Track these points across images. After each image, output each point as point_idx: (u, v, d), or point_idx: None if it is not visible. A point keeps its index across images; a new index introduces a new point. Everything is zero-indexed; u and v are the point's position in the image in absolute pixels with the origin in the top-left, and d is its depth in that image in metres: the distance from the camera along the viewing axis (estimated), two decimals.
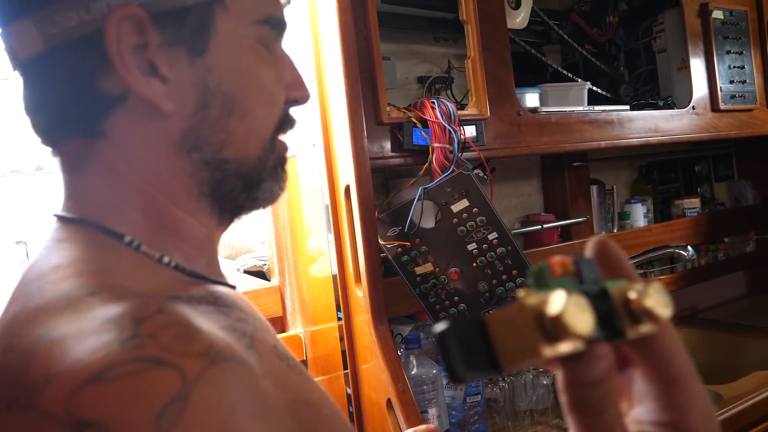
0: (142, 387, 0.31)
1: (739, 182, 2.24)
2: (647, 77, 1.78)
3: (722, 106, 1.62)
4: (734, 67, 1.66)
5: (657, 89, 1.74)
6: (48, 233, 0.47)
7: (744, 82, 1.68)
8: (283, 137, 0.54)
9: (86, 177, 0.47)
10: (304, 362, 1.35)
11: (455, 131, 1.07)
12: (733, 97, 1.65)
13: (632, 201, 1.91)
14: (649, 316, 0.28)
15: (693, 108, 1.59)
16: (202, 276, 0.49)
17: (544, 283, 0.27)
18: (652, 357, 0.30)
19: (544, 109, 1.36)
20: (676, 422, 0.30)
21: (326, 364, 1.31)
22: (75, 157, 0.48)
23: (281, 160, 0.54)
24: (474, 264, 1.06)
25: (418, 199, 1.04)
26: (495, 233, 1.04)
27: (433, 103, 1.10)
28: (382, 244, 1.06)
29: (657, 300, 0.28)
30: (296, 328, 1.37)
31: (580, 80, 1.57)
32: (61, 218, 0.47)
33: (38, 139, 0.50)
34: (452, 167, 1.06)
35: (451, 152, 1.09)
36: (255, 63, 0.50)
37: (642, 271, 1.93)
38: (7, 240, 1.56)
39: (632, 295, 0.28)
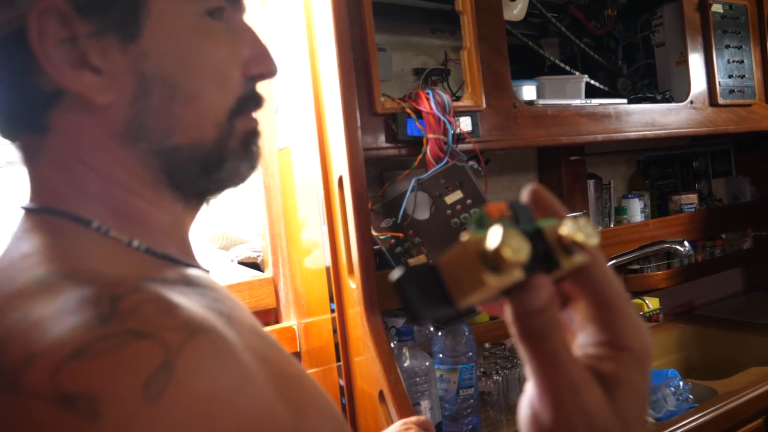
0: (127, 359, 0.32)
1: (737, 178, 2.23)
2: (645, 71, 1.77)
3: (721, 101, 1.61)
4: (733, 61, 1.66)
5: (655, 83, 1.73)
6: (15, 225, 0.46)
7: (743, 76, 1.67)
8: (253, 114, 0.52)
9: (42, 170, 0.47)
10: (298, 354, 1.35)
11: (450, 122, 1.06)
12: (731, 91, 1.64)
13: (629, 196, 1.91)
14: (580, 247, 0.31)
15: (691, 102, 1.58)
16: (175, 259, 0.48)
17: (484, 225, 0.30)
18: (588, 285, 0.33)
19: (541, 101, 1.35)
20: (612, 340, 0.33)
21: (320, 356, 1.30)
22: (28, 151, 0.47)
23: (250, 137, 0.51)
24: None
25: (412, 191, 1.03)
26: None
27: (428, 93, 1.09)
28: (375, 235, 1.06)
29: (585, 232, 0.31)
30: (290, 319, 1.37)
31: (577, 73, 1.56)
32: (27, 209, 0.46)
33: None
34: (446, 158, 1.05)
35: (445, 143, 1.08)
36: (199, 41, 0.46)
37: (638, 267, 1.93)
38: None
39: (563, 230, 0.30)
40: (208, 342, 0.35)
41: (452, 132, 1.06)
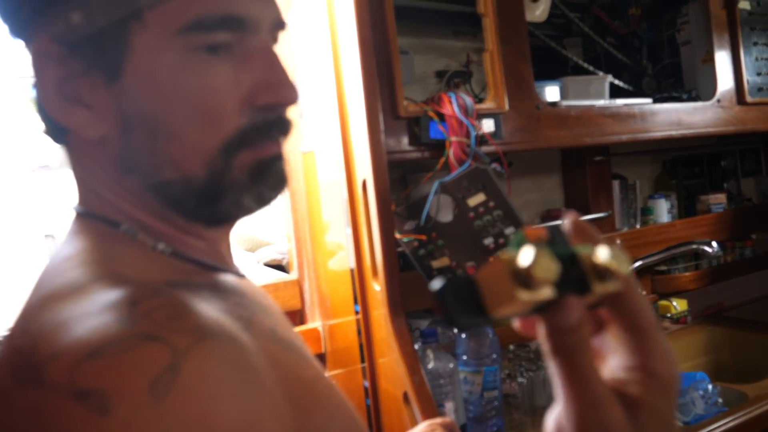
0: (137, 360, 0.34)
1: (766, 177, 2.19)
2: (671, 70, 1.75)
3: (749, 99, 1.59)
4: (762, 58, 1.63)
5: (681, 82, 1.71)
6: (68, 225, 0.49)
7: None
8: (273, 140, 0.49)
9: (79, 176, 0.50)
10: (322, 355, 1.36)
11: (472, 125, 1.07)
12: (760, 89, 1.61)
13: (656, 196, 1.88)
14: (612, 274, 0.33)
15: (718, 101, 1.56)
16: (202, 263, 0.49)
17: (521, 246, 0.32)
18: (621, 311, 0.35)
19: (564, 102, 1.34)
20: (642, 365, 0.34)
21: (344, 357, 1.31)
22: (66, 158, 0.51)
23: (261, 167, 0.49)
24: (491, 258, 1.06)
25: (434, 193, 1.04)
26: (512, 227, 1.04)
27: (451, 96, 1.10)
28: (399, 237, 1.06)
29: (618, 259, 0.33)
30: (314, 321, 1.38)
31: (601, 73, 1.55)
32: (75, 211, 0.50)
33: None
34: (469, 161, 1.06)
35: (468, 146, 1.08)
36: (185, 78, 0.45)
37: (666, 268, 1.90)
38: (37, 234, 1.60)
39: (597, 257, 0.33)
40: (215, 346, 0.37)
41: (474, 135, 1.06)
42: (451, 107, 1.08)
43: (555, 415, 0.35)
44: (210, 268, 0.50)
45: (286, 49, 1.37)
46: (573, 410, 0.33)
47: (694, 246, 1.64)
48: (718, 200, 1.99)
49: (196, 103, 0.46)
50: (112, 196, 0.48)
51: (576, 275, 0.32)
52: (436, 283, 0.31)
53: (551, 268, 0.30)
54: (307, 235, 1.40)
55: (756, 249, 2.10)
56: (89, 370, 0.34)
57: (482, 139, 1.09)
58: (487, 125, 1.15)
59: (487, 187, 1.04)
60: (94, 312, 0.37)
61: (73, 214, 0.50)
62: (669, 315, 1.86)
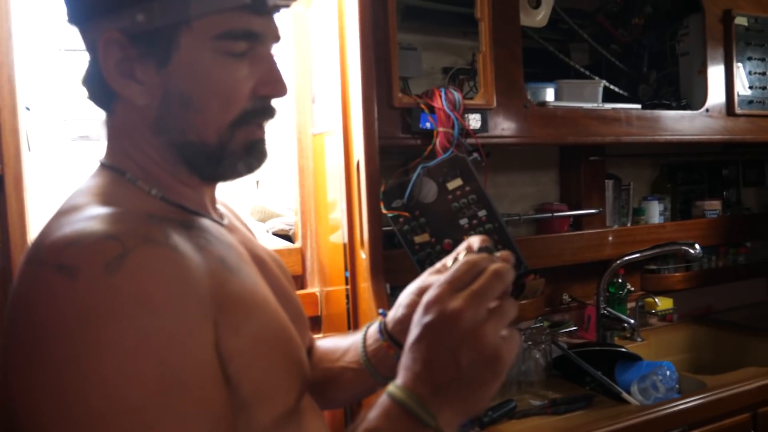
0: (98, 249, 0.52)
1: None
2: (672, 79, 1.84)
3: (738, 111, 1.67)
4: (755, 73, 1.70)
5: (679, 91, 1.80)
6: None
7: (764, 88, 1.71)
8: (262, 125, 0.67)
9: (109, 136, 0.69)
10: (318, 318, 1.52)
11: (457, 118, 1.20)
12: (750, 102, 1.69)
13: (649, 198, 1.97)
14: None
15: (707, 111, 1.64)
16: (186, 208, 0.67)
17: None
18: None
19: (553, 103, 1.46)
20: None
21: (336, 322, 1.46)
22: (105, 122, 0.69)
23: (251, 144, 0.67)
24: (465, 237, 1.19)
25: (417, 176, 1.17)
26: (484, 211, 1.16)
27: (441, 91, 1.23)
28: (385, 212, 1.20)
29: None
30: (314, 286, 1.54)
31: (596, 78, 1.65)
32: (99, 162, 0.69)
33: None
34: (451, 149, 1.19)
35: (453, 136, 1.21)
36: (214, 71, 0.63)
37: (655, 267, 1.99)
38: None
39: None
40: (155, 247, 0.54)
41: (459, 127, 1.19)
42: (440, 101, 1.21)
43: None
44: (190, 211, 0.67)
45: (304, 42, 1.52)
46: None
47: (678, 247, 1.72)
48: (712, 206, 2.06)
49: (220, 90, 0.63)
50: (135, 152, 0.66)
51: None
52: None
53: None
54: (312, 210, 1.55)
55: (750, 257, 2.16)
56: (66, 253, 0.51)
57: (466, 132, 1.22)
58: (475, 119, 1.28)
59: (464, 173, 1.17)
60: (81, 220, 0.55)
61: (97, 164, 0.68)
62: (654, 311, 1.95)
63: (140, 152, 0.66)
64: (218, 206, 0.76)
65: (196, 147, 0.65)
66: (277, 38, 0.68)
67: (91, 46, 0.64)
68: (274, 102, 0.69)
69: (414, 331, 0.54)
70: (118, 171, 0.66)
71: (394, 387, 0.53)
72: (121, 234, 0.53)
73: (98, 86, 0.65)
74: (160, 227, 0.57)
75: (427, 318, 0.53)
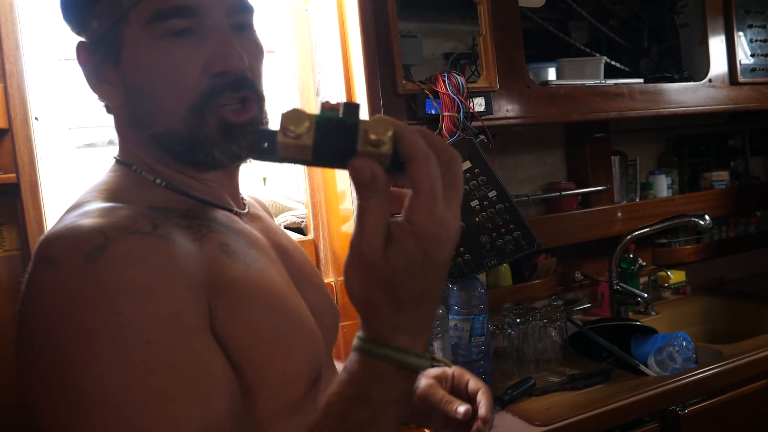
0: (81, 241, 0.54)
1: None
2: (674, 51, 1.84)
3: (741, 79, 1.67)
4: (756, 40, 1.70)
5: (681, 64, 1.80)
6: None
7: (767, 55, 1.71)
8: (240, 107, 0.64)
9: (117, 134, 0.72)
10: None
11: (461, 102, 1.21)
12: (753, 70, 1.69)
13: (656, 172, 1.98)
14: (381, 141, 0.43)
15: (710, 81, 1.65)
16: (193, 196, 0.68)
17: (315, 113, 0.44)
18: (408, 175, 0.44)
19: (556, 82, 1.47)
20: (406, 215, 0.44)
21: (352, 310, 1.47)
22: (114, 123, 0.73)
23: (228, 129, 0.65)
24: (477, 219, 1.21)
25: None
26: (494, 191, 1.18)
27: (444, 76, 1.24)
28: None
29: (380, 127, 0.43)
30: (328, 277, 1.56)
31: (597, 55, 1.65)
32: (114, 158, 0.72)
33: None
34: (458, 132, 1.20)
35: (459, 120, 1.23)
36: (157, 58, 0.63)
37: (666, 241, 2.00)
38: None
39: (366, 125, 0.43)
40: (139, 240, 0.55)
41: (464, 110, 1.21)
42: (444, 86, 1.23)
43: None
44: (198, 200, 0.68)
45: (306, 37, 1.53)
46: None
47: (687, 219, 1.72)
48: (720, 177, 2.06)
49: (164, 76, 0.63)
50: (133, 146, 0.69)
51: (347, 138, 0.43)
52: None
53: (304, 121, 0.43)
54: (323, 202, 1.57)
55: (761, 226, 2.16)
56: (52, 246, 0.54)
57: (471, 115, 1.24)
58: (479, 102, 1.29)
59: (473, 155, 1.18)
60: (76, 216, 0.58)
61: (112, 161, 0.71)
62: (666, 285, 1.96)
63: (138, 146, 0.68)
64: (244, 196, 0.76)
65: (167, 136, 0.65)
66: (235, 8, 0.65)
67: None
68: (242, 77, 0.65)
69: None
70: (126, 164, 0.69)
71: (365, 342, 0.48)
72: (105, 227, 0.55)
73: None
74: (148, 219, 0.58)
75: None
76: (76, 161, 1.85)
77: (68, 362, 0.50)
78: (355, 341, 0.49)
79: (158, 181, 0.67)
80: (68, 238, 0.54)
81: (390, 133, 0.43)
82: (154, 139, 0.66)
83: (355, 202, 0.45)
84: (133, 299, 0.52)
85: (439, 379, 0.88)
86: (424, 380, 0.88)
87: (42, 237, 0.56)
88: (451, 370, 0.89)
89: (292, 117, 0.43)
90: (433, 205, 0.44)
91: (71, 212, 0.60)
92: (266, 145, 0.45)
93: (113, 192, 0.64)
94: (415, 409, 0.87)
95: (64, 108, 1.82)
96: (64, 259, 0.52)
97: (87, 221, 0.55)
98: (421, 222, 0.44)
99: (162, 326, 0.52)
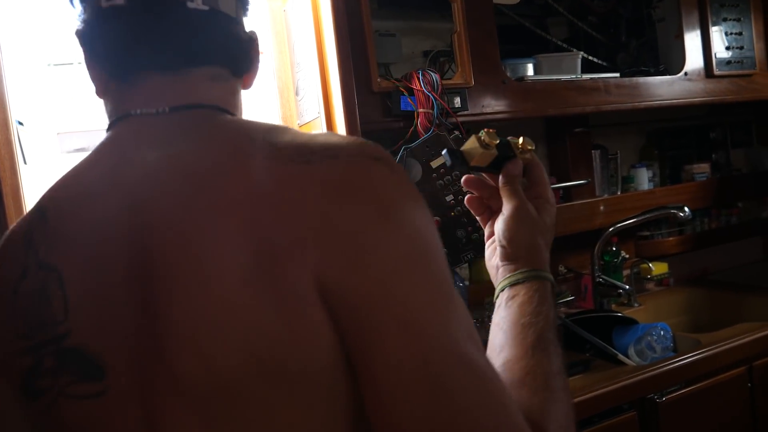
0: (380, 149, 0.57)
1: (757, 148, 2.26)
2: (652, 46, 1.86)
3: (717, 72, 1.69)
4: (731, 33, 1.72)
5: (658, 58, 1.82)
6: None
7: (742, 48, 1.73)
8: None
9: None
10: None
11: (435, 98, 1.23)
12: (728, 63, 1.71)
13: (637, 165, 2.00)
14: (527, 150, 0.73)
15: (686, 74, 1.67)
16: None
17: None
18: (531, 172, 0.74)
19: (531, 77, 1.49)
20: (539, 194, 0.73)
21: None
22: None
23: None
24: (452, 213, 1.22)
25: (400, 158, 1.20)
26: None
27: (419, 73, 1.26)
28: None
29: (528, 143, 0.73)
30: None
31: (574, 50, 1.68)
32: None
33: None
34: (432, 128, 1.22)
35: (434, 116, 1.25)
36: None
37: (648, 233, 2.02)
38: None
39: (516, 141, 0.73)
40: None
41: (438, 106, 1.22)
42: (418, 83, 1.24)
43: (494, 226, 0.70)
44: None
45: (284, 38, 1.55)
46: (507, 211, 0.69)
47: (667, 210, 1.75)
48: (701, 169, 2.09)
49: None
50: None
51: (508, 149, 0.71)
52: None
53: (494, 138, 0.69)
54: None
55: (742, 217, 2.18)
56: (374, 149, 0.55)
57: (445, 111, 1.25)
58: (455, 99, 1.31)
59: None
60: (318, 134, 0.59)
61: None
62: (649, 277, 1.98)
63: None
64: None
65: None
66: None
67: None
68: None
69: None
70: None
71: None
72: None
73: None
74: None
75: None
76: (65, 166, 1.87)
77: (433, 245, 0.53)
78: (516, 277, 0.68)
79: None
80: (372, 145, 0.54)
81: (531, 147, 0.74)
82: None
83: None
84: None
85: None
86: None
87: (336, 141, 0.54)
88: None
89: (489, 135, 0.69)
90: (549, 189, 0.74)
91: (280, 133, 0.55)
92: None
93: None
94: None
95: (52, 113, 1.84)
96: (390, 160, 0.53)
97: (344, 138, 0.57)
98: (551, 199, 0.73)
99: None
